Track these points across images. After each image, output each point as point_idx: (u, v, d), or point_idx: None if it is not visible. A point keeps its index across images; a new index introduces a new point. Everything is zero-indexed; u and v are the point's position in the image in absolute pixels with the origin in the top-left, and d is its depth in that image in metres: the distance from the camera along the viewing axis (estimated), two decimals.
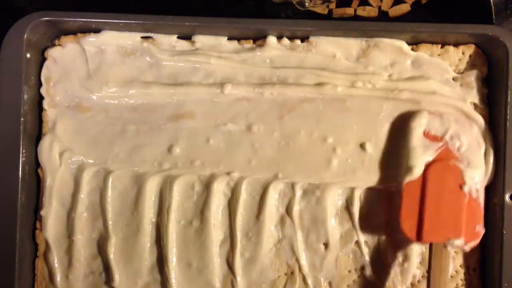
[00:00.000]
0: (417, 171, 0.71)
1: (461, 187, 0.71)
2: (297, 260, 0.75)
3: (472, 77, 0.76)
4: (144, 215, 0.74)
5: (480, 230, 0.71)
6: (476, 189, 0.72)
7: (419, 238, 0.70)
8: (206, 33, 0.76)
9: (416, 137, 0.73)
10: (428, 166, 0.72)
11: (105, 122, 0.76)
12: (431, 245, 0.71)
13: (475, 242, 0.71)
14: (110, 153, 0.75)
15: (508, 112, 0.72)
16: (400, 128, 0.74)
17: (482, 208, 0.72)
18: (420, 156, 0.72)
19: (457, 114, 0.74)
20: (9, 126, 0.72)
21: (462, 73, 0.77)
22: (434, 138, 0.73)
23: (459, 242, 0.70)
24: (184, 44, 0.77)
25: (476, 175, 0.72)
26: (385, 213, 0.75)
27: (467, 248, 0.71)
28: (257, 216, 0.75)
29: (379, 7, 0.83)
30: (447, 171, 0.71)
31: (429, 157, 0.72)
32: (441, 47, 0.77)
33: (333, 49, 0.77)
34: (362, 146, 0.75)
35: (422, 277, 0.75)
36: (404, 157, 0.73)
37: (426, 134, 0.73)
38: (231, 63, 0.76)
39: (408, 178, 0.72)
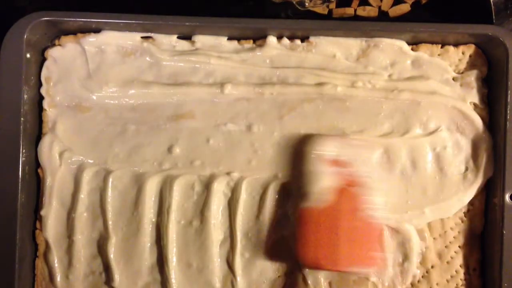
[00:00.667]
0: (314, 197, 0.70)
1: (361, 212, 0.70)
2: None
3: (472, 77, 0.76)
4: (144, 215, 0.74)
5: (376, 256, 0.70)
6: (375, 215, 0.70)
7: (315, 264, 0.69)
8: (206, 33, 0.76)
9: (315, 162, 0.71)
10: (328, 192, 0.70)
11: (105, 122, 0.76)
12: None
13: (377, 268, 0.71)
14: (110, 153, 0.75)
15: (508, 112, 0.72)
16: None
17: (382, 234, 0.72)
18: (318, 182, 0.71)
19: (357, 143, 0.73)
20: (9, 126, 0.72)
21: (462, 73, 0.77)
22: (336, 164, 0.71)
23: (365, 270, 0.70)
24: (184, 44, 0.77)
25: (379, 200, 0.71)
26: None
27: (372, 274, 0.72)
28: (257, 216, 0.75)
29: (379, 7, 0.83)
30: (350, 197, 0.70)
31: (329, 182, 0.70)
32: (441, 47, 0.77)
33: (333, 49, 0.77)
34: None
35: (422, 277, 0.75)
36: (302, 182, 0.72)
37: (327, 160, 0.71)
38: (231, 63, 0.76)
39: (304, 204, 0.70)
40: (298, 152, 0.73)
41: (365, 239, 0.70)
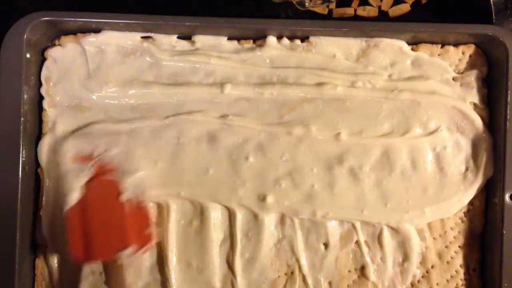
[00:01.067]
0: (73, 196, 0.70)
1: (119, 197, 0.70)
2: (297, 260, 0.75)
3: (472, 77, 0.76)
4: None
5: (151, 232, 0.71)
6: (138, 194, 0.71)
7: (87, 258, 0.68)
8: (206, 33, 0.76)
9: (64, 164, 0.72)
10: (84, 187, 0.71)
11: (105, 122, 0.76)
12: (105, 268, 0.71)
13: (149, 245, 0.71)
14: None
15: (508, 112, 0.72)
16: None
17: (148, 210, 0.72)
18: (73, 181, 0.71)
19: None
20: (9, 126, 0.72)
21: (462, 73, 0.77)
22: (85, 159, 0.72)
23: (128, 252, 0.68)
24: (184, 44, 0.77)
25: (134, 180, 0.71)
26: None
27: (142, 253, 0.70)
28: (257, 216, 0.75)
29: (379, 7, 0.83)
30: (101, 186, 0.70)
31: (83, 179, 0.71)
32: (441, 47, 0.77)
33: (333, 49, 0.77)
34: None
35: (422, 277, 0.75)
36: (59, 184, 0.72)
37: (76, 158, 0.72)
38: (231, 63, 0.76)
39: (67, 205, 0.70)
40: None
41: (135, 220, 0.70)
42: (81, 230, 0.69)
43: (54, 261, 0.75)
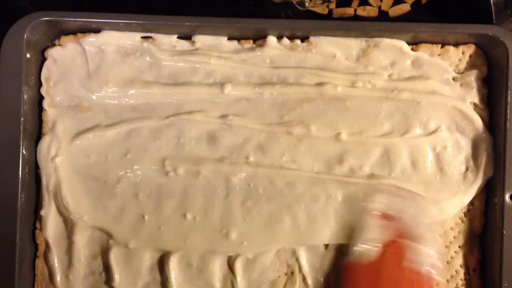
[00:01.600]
0: (366, 253, 0.70)
1: (415, 265, 0.69)
2: (297, 260, 0.75)
3: (472, 77, 0.76)
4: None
5: None
6: (432, 265, 0.69)
7: None
8: (206, 33, 0.76)
9: (369, 217, 0.71)
10: (375, 246, 0.70)
11: (105, 122, 0.76)
12: None
13: None
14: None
15: (508, 112, 0.72)
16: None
17: (443, 282, 0.71)
18: (370, 237, 0.70)
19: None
20: (9, 126, 0.72)
21: (462, 73, 0.77)
22: (387, 218, 0.71)
23: None
24: (184, 44, 0.77)
25: (431, 252, 0.70)
26: None
27: None
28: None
29: (379, 7, 0.83)
30: (399, 251, 0.69)
31: (381, 237, 0.70)
32: (441, 47, 0.77)
33: (333, 49, 0.77)
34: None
35: None
36: (354, 235, 0.72)
37: (382, 215, 0.71)
38: (231, 63, 0.76)
39: (350, 257, 0.70)
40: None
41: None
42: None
43: (54, 261, 0.75)
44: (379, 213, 0.71)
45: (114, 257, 0.74)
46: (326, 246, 0.75)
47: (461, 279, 0.75)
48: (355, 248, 0.70)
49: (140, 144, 0.75)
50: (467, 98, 0.76)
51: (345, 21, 0.81)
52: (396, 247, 0.69)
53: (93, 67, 0.76)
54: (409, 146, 0.75)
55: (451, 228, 0.76)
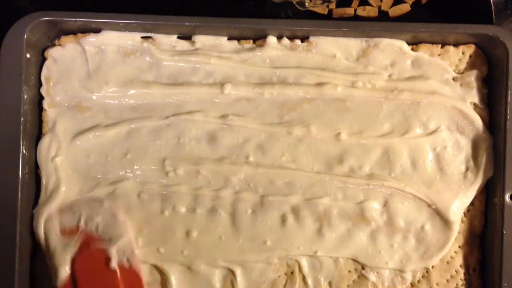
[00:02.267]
0: (64, 270, 0.71)
1: (108, 264, 0.71)
2: (297, 260, 0.75)
3: (472, 77, 0.76)
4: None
5: None
6: (127, 258, 0.71)
7: None
8: (206, 33, 0.76)
9: (52, 239, 0.72)
10: (73, 261, 0.71)
11: (105, 122, 0.76)
12: None
13: None
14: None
15: (508, 112, 0.72)
16: None
17: (140, 273, 0.72)
18: (62, 256, 0.72)
19: None
20: (9, 126, 0.72)
21: (462, 73, 0.77)
22: (71, 232, 0.72)
23: None
24: (184, 44, 0.77)
25: (121, 246, 0.72)
26: None
27: None
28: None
29: (379, 7, 0.83)
30: (90, 257, 0.71)
31: (72, 251, 0.72)
32: (441, 47, 0.77)
33: (333, 49, 0.77)
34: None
35: (422, 277, 0.75)
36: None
37: (63, 232, 0.72)
38: (231, 63, 0.76)
39: (60, 280, 0.71)
40: None
41: (128, 284, 0.71)
42: None
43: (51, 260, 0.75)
44: (63, 231, 0.73)
45: None
46: None
47: (461, 279, 0.75)
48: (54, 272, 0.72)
49: (140, 144, 0.75)
50: (467, 98, 0.76)
51: (345, 21, 0.81)
52: (84, 256, 0.71)
53: (93, 67, 0.76)
54: (409, 146, 0.75)
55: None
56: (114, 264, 0.71)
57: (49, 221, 0.73)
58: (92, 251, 0.71)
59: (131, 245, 0.72)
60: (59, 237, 0.72)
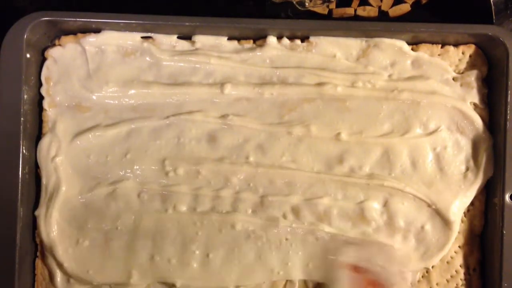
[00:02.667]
0: None
1: None
2: None
3: (472, 77, 0.76)
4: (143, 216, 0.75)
5: None
6: None
7: None
8: (206, 33, 0.76)
9: (342, 274, 0.72)
10: None
11: (105, 122, 0.76)
12: None
13: None
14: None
15: (508, 112, 0.72)
16: None
17: None
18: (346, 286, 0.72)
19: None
20: (9, 126, 0.72)
21: (462, 73, 0.77)
22: (357, 270, 0.72)
23: None
24: (184, 44, 0.77)
25: None
26: None
27: None
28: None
29: (379, 7, 0.83)
30: None
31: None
32: (441, 47, 0.77)
33: (333, 49, 0.77)
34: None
35: (422, 277, 0.75)
36: None
37: (352, 267, 0.72)
38: (231, 63, 0.76)
39: None
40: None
41: None
42: None
43: (53, 262, 0.75)
44: (349, 266, 0.72)
45: None
46: None
47: (461, 279, 0.75)
48: None
49: (140, 144, 0.75)
50: (467, 98, 0.76)
51: (345, 21, 0.81)
52: None
53: (93, 67, 0.76)
54: (409, 146, 0.75)
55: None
56: None
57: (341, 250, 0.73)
58: None
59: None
60: (348, 271, 0.72)
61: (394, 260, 0.72)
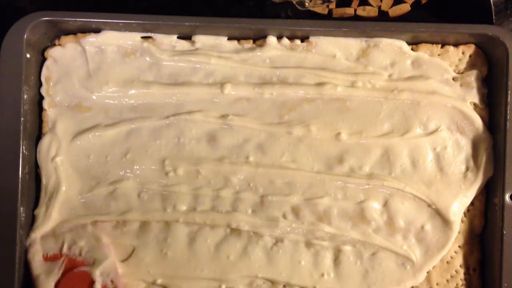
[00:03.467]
0: None
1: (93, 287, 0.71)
2: None
3: (472, 77, 0.76)
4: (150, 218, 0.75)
5: None
6: (111, 280, 0.72)
7: None
8: (206, 33, 0.76)
9: (35, 266, 0.72)
10: (56, 285, 0.71)
11: (105, 122, 0.76)
12: None
13: None
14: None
15: (508, 112, 0.72)
16: None
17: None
18: (46, 281, 0.72)
19: None
20: (9, 126, 0.72)
21: (462, 73, 0.77)
22: (54, 258, 0.73)
23: None
24: (184, 44, 0.77)
25: (105, 268, 0.72)
26: None
27: None
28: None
29: (379, 7, 0.83)
30: (76, 280, 0.71)
31: (55, 277, 0.72)
32: (441, 47, 0.77)
33: (333, 49, 0.77)
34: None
35: None
36: None
37: (46, 258, 0.73)
38: (231, 63, 0.76)
39: None
40: None
41: None
42: None
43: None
44: (46, 257, 0.73)
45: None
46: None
47: (461, 279, 0.75)
48: None
49: (140, 144, 0.75)
50: (467, 98, 0.76)
51: (345, 21, 0.81)
52: (69, 280, 0.71)
53: (93, 67, 0.76)
54: (409, 146, 0.75)
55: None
56: (98, 286, 0.71)
57: (32, 247, 0.73)
58: (75, 274, 0.71)
59: (115, 266, 0.72)
60: (42, 263, 0.72)
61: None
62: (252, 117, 0.76)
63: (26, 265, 0.74)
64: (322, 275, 0.74)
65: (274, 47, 0.76)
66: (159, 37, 0.77)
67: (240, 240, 0.74)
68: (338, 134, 0.75)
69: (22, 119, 0.73)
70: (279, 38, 0.77)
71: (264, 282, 0.74)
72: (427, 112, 0.75)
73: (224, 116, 0.75)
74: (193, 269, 0.74)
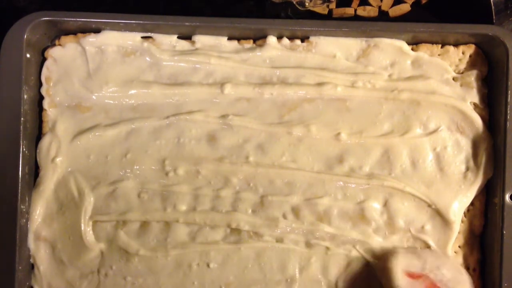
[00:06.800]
0: None
1: None
2: None
3: (472, 77, 0.76)
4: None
5: None
6: None
7: None
8: (206, 33, 0.76)
9: (398, 277, 0.71)
10: None
11: (105, 122, 0.76)
12: None
13: None
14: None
15: (508, 112, 0.72)
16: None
17: None
18: None
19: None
20: (9, 126, 0.72)
21: (462, 73, 0.77)
22: (415, 276, 0.71)
23: None
24: (184, 44, 0.77)
25: None
26: None
27: None
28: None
29: (379, 7, 0.83)
30: None
31: None
32: (441, 47, 0.77)
33: (333, 49, 0.77)
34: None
35: None
36: None
37: (407, 274, 0.71)
38: (231, 63, 0.76)
39: None
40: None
41: None
42: None
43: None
44: (406, 274, 0.71)
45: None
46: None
47: None
48: None
49: (140, 144, 0.75)
50: (467, 98, 0.76)
51: (345, 21, 0.81)
52: None
53: (93, 67, 0.76)
54: (409, 146, 0.75)
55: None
56: None
57: (391, 259, 0.72)
58: None
59: None
60: (403, 278, 0.70)
61: (451, 265, 0.72)
62: (252, 117, 0.76)
63: (26, 265, 0.74)
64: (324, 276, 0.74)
65: (274, 47, 0.76)
66: (159, 37, 0.77)
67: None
68: (338, 134, 0.75)
69: (22, 119, 0.73)
70: (279, 38, 0.77)
71: None
72: (427, 112, 0.75)
73: (224, 116, 0.75)
74: None
